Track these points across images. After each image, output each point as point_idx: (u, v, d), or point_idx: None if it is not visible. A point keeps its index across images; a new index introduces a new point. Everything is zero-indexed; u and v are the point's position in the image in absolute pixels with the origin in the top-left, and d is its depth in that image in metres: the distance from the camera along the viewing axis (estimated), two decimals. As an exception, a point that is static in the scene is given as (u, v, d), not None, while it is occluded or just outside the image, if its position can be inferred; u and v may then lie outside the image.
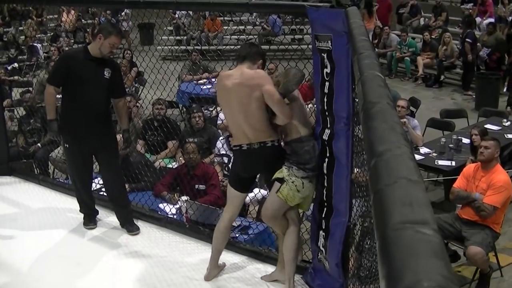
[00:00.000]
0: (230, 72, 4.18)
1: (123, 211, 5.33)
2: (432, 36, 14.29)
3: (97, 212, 5.47)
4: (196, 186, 6.09)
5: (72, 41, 15.97)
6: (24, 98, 8.44)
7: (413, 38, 14.69)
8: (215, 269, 4.48)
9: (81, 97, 4.94)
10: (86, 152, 5.12)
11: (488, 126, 7.96)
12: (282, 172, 4.02)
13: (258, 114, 3.97)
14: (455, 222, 5.56)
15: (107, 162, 5.22)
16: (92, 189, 5.49)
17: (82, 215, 5.41)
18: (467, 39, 12.87)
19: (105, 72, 4.97)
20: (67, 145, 5.13)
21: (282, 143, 4.14)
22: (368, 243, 3.46)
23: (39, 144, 8.04)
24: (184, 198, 5.69)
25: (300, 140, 4.02)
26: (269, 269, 4.57)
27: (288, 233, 4.17)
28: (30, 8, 17.65)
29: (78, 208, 5.41)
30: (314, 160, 4.02)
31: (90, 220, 5.38)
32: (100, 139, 5.06)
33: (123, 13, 16.82)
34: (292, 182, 3.99)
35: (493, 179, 5.45)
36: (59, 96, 5.22)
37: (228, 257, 4.70)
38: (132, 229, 5.28)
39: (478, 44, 13.03)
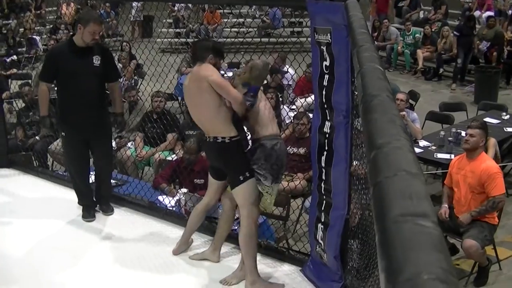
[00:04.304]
0: (189, 74, 4.38)
1: (105, 194, 5.51)
2: (432, 30, 14.27)
3: (96, 204, 5.49)
4: (195, 180, 6.09)
5: (71, 33, 15.89)
6: (23, 91, 8.42)
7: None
8: (184, 245, 4.70)
9: (73, 88, 5.06)
10: (81, 140, 5.22)
11: (487, 119, 7.94)
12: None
13: (209, 106, 4.04)
14: (453, 216, 5.55)
15: (100, 149, 5.36)
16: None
17: (81, 207, 5.43)
18: (454, 32, 12.97)
19: (94, 60, 5.07)
20: (63, 134, 5.28)
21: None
22: (367, 235, 3.46)
23: (37, 137, 8.04)
24: (183, 190, 5.70)
25: (254, 141, 4.16)
26: (268, 261, 4.59)
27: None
28: (29, 0, 17.63)
29: (77, 200, 5.43)
30: (263, 159, 4.05)
31: (89, 212, 5.39)
32: (94, 127, 5.17)
33: (139, 4, 16.86)
34: (267, 192, 4.12)
35: (484, 169, 5.35)
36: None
37: (227, 249, 4.72)
38: (107, 210, 5.47)
39: (475, 37, 13.06)
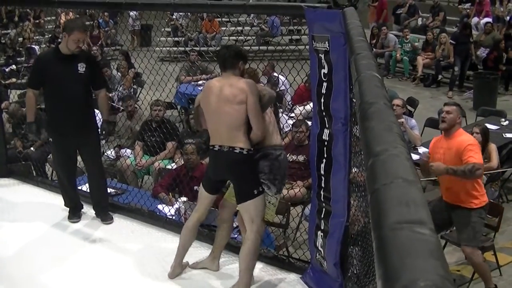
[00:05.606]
0: (219, 77, 4.33)
1: (101, 203, 5.53)
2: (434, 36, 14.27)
3: (81, 206, 5.60)
4: (195, 187, 6.09)
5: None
6: (10, 110, 8.41)
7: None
8: (178, 267, 4.49)
9: (59, 94, 5.14)
10: (69, 146, 5.31)
11: (486, 125, 7.94)
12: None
13: (237, 115, 4.01)
14: (443, 208, 5.37)
15: (90, 156, 5.43)
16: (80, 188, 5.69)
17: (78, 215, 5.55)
18: (450, 40, 13.02)
19: (79, 67, 5.13)
20: (51, 140, 5.38)
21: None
22: (367, 242, 3.46)
23: (32, 148, 8.05)
24: (183, 199, 5.69)
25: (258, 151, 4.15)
26: (268, 268, 4.59)
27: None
28: (28, 10, 17.65)
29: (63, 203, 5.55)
30: (267, 169, 4.12)
31: (74, 214, 5.51)
32: (82, 133, 5.24)
33: (136, 13, 16.91)
34: (269, 202, 4.16)
35: (460, 142, 5.19)
36: None
37: (227, 258, 4.71)
38: (106, 219, 5.49)
39: (472, 43, 13.11)
